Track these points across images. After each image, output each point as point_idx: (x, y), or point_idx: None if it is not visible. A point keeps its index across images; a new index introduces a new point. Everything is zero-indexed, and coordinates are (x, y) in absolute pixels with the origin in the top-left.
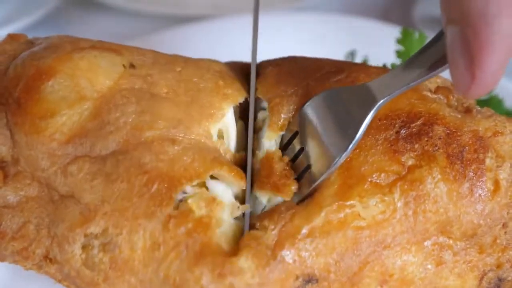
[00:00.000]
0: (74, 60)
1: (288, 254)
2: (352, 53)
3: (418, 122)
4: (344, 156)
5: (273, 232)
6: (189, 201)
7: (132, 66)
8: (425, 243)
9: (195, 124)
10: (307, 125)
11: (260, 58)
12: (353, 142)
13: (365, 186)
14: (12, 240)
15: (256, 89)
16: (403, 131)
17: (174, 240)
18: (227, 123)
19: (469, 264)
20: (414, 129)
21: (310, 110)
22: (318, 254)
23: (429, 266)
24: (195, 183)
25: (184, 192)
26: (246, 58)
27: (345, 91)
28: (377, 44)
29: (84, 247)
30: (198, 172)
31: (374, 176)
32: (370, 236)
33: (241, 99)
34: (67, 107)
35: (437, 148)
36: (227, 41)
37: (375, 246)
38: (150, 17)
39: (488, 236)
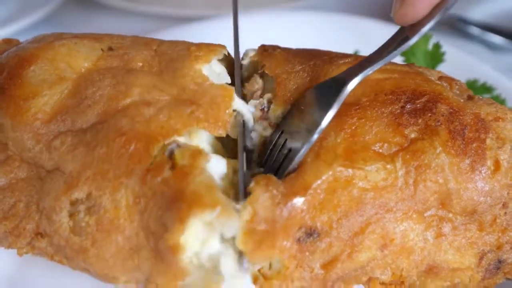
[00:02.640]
0: (54, 48)
1: (298, 204)
2: (355, 53)
3: (423, 99)
4: (320, 129)
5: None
6: (176, 152)
7: (110, 49)
8: (426, 214)
9: (168, 86)
10: (295, 117)
11: None
12: (327, 116)
13: (369, 154)
14: (4, 220)
15: (263, 65)
16: (408, 106)
17: (151, 191)
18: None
19: (469, 240)
20: (418, 105)
21: (298, 104)
22: (323, 209)
23: (429, 237)
24: (172, 139)
25: (178, 146)
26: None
27: (327, 82)
28: (381, 44)
29: (71, 215)
30: (175, 128)
31: (377, 145)
32: (374, 198)
33: (215, 57)
34: (48, 88)
35: (439, 123)
36: (227, 40)
37: (378, 208)
38: (150, 17)
39: (488, 215)
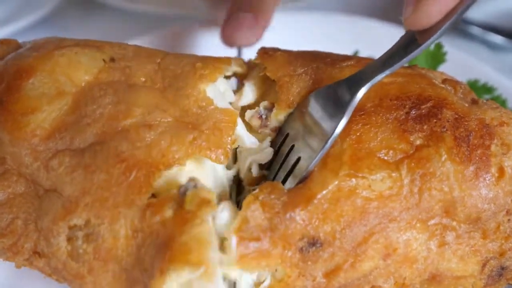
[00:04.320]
0: (54, 58)
1: (298, 215)
2: (355, 54)
3: (428, 105)
4: (332, 138)
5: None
6: (187, 193)
7: (112, 60)
8: (430, 222)
9: (170, 107)
10: (297, 121)
11: None
12: (340, 124)
13: (374, 161)
14: (2, 237)
15: (265, 68)
16: (413, 112)
17: (150, 229)
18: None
19: (472, 248)
20: (423, 111)
21: (301, 108)
22: (326, 219)
23: (432, 246)
24: (174, 169)
25: (195, 186)
26: (246, 56)
27: (334, 86)
28: (381, 44)
29: (69, 239)
30: (176, 157)
31: (382, 152)
32: (378, 207)
33: (220, 75)
34: (47, 103)
35: (445, 129)
36: None
37: (382, 218)
38: (150, 17)
39: (491, 222)
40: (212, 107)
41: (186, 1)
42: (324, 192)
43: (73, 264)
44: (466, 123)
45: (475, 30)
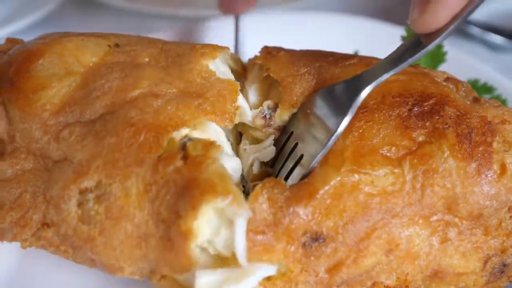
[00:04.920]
0: (62, 43)
1: (301, 210)
2: (355, 54)
3: (431, 102)
4: (335, 135)
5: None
6: (188, 144)
7: (117, 45)
8: (432, 219)
9: (175, 80)
10: (301, 120)
11: None
12: (343, 122)
13: (376, 157)
14: (10, 210)
15: (268, 69)
16: (415, 109)
17: (163, 179)
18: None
19: (474, 245)
20: (426, 108)
21: (306, 107)
22: (329, 214)
23: (435, 242)
24: (185, 131)
25: (190, 139)
26: (247, 56)
27: (338, 87)
28: (381, 44)
29: (79, 204)
30: (183, 120)
31: (385, 149)
32: (380, 203)
33: (220, 54)
34: (57, 80)
35: (447, 126)
36: (228, 41)
37: (384, 213)
38: (150, 17)
39: (493, 219)
40: (215, 77)
41: (185, 1)
42: (326, 187)
43: (84, 227)
44: (468, 120)
45: (475, 30)
